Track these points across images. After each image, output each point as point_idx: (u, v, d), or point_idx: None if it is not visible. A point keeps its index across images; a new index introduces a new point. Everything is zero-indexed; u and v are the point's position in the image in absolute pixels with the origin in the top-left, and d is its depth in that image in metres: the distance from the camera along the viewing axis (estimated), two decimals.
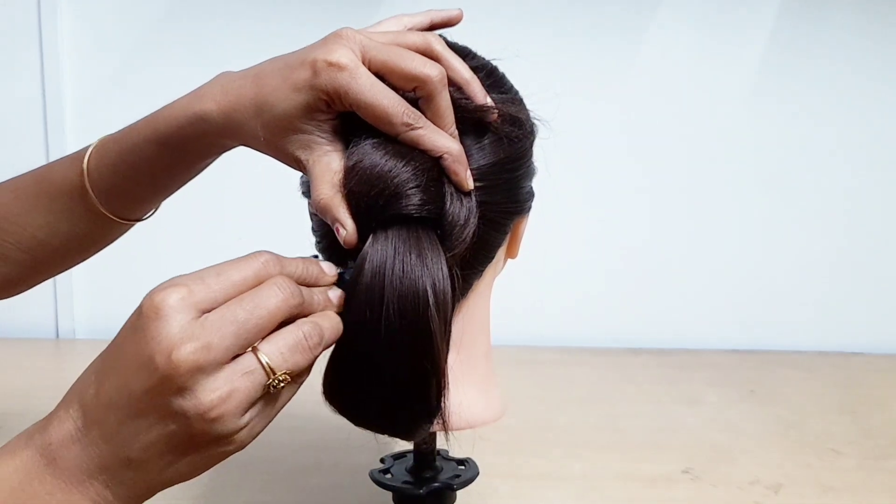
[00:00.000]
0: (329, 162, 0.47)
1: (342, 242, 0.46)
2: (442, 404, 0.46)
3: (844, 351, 1.14)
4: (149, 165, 0.54)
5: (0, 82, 1.10)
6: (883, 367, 1.07)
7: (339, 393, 0.47)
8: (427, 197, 0.46)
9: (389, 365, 0.45)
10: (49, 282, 1.14)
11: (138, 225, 0.61)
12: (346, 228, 0.45)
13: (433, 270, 0.45)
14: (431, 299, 0.44)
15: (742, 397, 0.94)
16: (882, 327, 1.15)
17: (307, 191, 0.53)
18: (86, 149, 0.57)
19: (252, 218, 1.11)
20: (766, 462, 0.77)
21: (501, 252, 0.56)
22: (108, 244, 0.62)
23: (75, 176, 0.56)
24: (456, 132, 0.48)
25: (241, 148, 0.53)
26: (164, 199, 0.59)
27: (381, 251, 0.45)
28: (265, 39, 1.07)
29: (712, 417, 0.88)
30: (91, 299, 1.15)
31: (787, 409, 0.91)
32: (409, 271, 0.44)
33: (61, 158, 0.59)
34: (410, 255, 0.45)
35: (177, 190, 0.58)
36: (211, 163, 0.57)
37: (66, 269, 0.63)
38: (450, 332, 0.46)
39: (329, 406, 0.47)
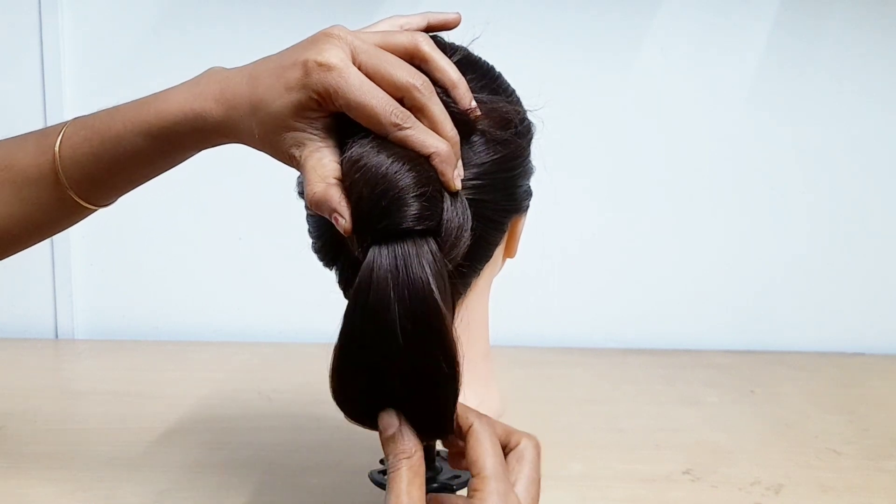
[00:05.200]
0: (321, 157, 0.47)
1: (342, 231, 0.45)
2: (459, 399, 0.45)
3: (844, 351, 1.14)
4: (134, 156, 0.53)
5: (0, 83, 1.10)
6: (883, 367, 1.07)
7: (350, 400, 0.46)
8: (427, 206, 0.45)
9: (406, 368, 0.43)
10: (49, 282, 1.15)
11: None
12: (345, 217, 0.45)
13: (437, 277, 0.44)
14: (440, 301, 0.43)
15: (742, 397, 0.94)
16: (882, 327, 1.15)
17: (304, 191, 0.53)
18: (53, 133, 0.55)
19: (251, 218, 1.11)
20: (766, 462, 0.77)
21: (499, 251, 0.56)
22: (70, 227, 0.61)
23: (45, 163, 0.54)
24: (454, 134, 0.47)
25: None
26: (139, 186, 0.58)
27: (384, 262, 0.44)
28: (264, 40, 1.06)
29: (712, 417, 0.88)
30: (91, 299, 1.15)
31: (787, 409, 0.91)
32: (415, 279, 0.43)
33: (19, 139, 0.56)
34: (412, 264, 0.44)
35: (153, 178, 0.58)
36: (194, 155, 0.56)
37: (21, 251, 0.61)
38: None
39: (343, 413, 0.46)
